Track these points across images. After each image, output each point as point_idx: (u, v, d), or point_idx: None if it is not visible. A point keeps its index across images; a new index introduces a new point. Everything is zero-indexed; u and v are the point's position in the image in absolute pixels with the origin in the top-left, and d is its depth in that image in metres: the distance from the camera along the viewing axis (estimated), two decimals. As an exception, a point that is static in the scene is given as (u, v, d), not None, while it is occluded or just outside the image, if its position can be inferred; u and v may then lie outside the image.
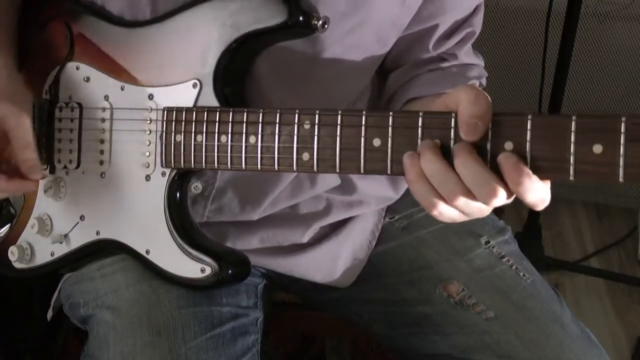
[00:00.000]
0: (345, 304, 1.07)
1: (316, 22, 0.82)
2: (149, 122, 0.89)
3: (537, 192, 0.66)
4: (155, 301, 0.91)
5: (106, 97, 0.93)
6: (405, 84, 1.00)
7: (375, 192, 1.06)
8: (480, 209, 0.71)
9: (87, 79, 0.94)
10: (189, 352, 0.87)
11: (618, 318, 1.91)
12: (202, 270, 0.88)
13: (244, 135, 0.82)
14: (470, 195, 0.68)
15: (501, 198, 0.67)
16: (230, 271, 0.88)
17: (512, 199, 0.68)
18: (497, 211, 1.09)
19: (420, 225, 1.06)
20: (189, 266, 0.88)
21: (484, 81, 1.03)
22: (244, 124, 0.82)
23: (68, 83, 0.95)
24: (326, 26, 0.83)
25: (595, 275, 2.00)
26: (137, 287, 0.92)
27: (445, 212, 0.71)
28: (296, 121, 0.79)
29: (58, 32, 0.97)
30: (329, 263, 1.05)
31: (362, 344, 1.74)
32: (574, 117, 0.64)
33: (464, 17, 0.99)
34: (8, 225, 1.02)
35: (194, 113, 0.86)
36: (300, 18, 0.82)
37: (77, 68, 0.95)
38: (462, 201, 0.69)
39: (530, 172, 0.65)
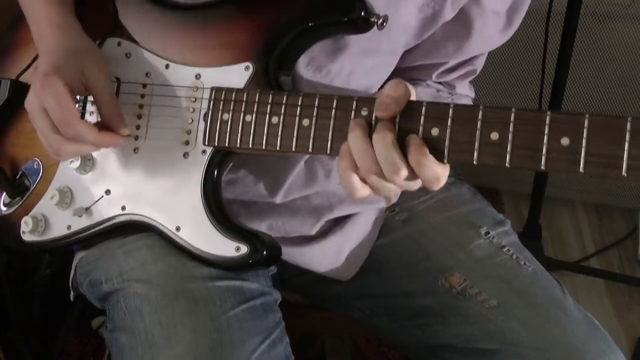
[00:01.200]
0: (347, 299, 1.08)
1: (376, 20, 0.85)
2: (193, 100, 0.91)
3: (432, 170, 0.74)
4: (187, 274, 0.91)
5: (148, 74, 0.94)
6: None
7: None
8: (389, 189, 0.78)
9: (129, 55, 0.96)
10: (230, 321, 0.87)
11: (618, 318, 1.91)
12: (237, 249, 0.88)
13: (297, 117, 0.83)
14: (381, 173, 0.76)
15: (402, 175, 0.75)
16: (265, 252, 0.88)
17: (417, 182, 0.77)
18: (497, 210, 1.10)
19: (421, 218, 1.07)
20: (223, 244, 0.89)
21: None
22: (298, 107, 0.83)
23: (107, 57, 0.95)
24: (385, 24, 0.85)
25: (595, 275, 2.00)
26: (166, 260, 0.92)
27: (359, 188, 0.78)
28: (353, 107, 0.80)
29: (102, 7, 0.98)
30: (333, 255, 1.05)
31: (362, 344, 1.74)
32: (629, 119, 0.68)
33: (470, 57, 1.03)
34: (20, 196, 1.02)
35: (245, 93, 0.87)
36: (362, 14, 0.84)
37: (119, 44, 0.97)
38: (375, 178, 0.76)
39: (427, 152, 0.74)
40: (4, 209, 1.03)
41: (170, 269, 0.92)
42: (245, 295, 0.91)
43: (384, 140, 0.75)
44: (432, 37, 0.97)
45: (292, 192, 1.01)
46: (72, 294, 1.08)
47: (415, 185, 0.78)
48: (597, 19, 1.93)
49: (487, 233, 1.03)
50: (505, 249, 1.02)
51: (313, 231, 1.04)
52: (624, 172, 0.68)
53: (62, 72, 0.87)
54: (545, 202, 1.93)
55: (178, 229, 0.91)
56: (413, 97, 0.78)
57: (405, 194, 1.09)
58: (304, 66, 0.93)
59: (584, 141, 0.69)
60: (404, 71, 1.03)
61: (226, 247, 0.89)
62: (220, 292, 0.89)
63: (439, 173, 0.75)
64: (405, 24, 0.93)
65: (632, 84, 2.02)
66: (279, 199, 1.01)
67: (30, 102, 0.89)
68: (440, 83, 1.05)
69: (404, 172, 0.75)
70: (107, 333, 0.95)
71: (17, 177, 1.02)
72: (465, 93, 1.08)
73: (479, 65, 1.05)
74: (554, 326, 0.92)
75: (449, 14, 0.94)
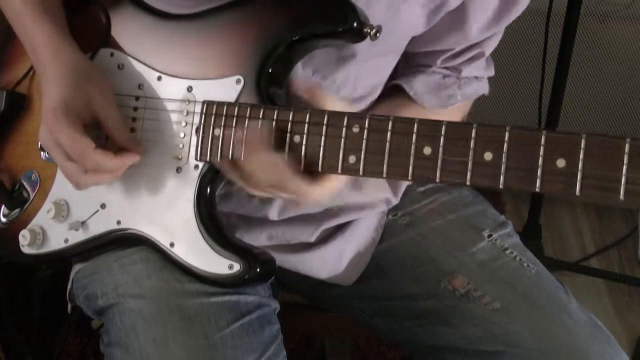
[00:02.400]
0: (349, 301, 1.08)
1: (369, 31, 0.82)
2: (185, 114, 0.89)
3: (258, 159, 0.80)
4: (182, 289, 0.90)
5: (140, 86, 0.93)
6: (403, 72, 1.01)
7: (381, 193, 1.06)
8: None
9: (121, 67, 0.94)
10: (225, 339, 0.87)
11: (618, 318, 1.91)
12: (230, 267, 0.87)
13: (288, 133, 0.81)
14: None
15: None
16: (258, 269, 0.87)
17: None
18: (497, 210, 1.10)
19: (423, 221, 1.07)
20: (216, 262, 0.88)
21: (464, 101, 1.06)
22: (290, 123, 0.81)
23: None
24: (378, 35, 0.83)
25: (595, 275, 2.00)
26: (160, 276, 0.91)
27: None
28: (345, 124, 0.78)
29: (95, 17, 0.97)
30: (334, 261, 1.05)
31: (362, 345, 1.74)
32: (628, 140, 0.65)
33: (479, 41, 1.00)
34: (19, 208, 1.01)
35: (237, 108, 0.85)
36: (355, 25, 0.82)
37: (111, 55, 0.95)
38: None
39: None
40: (3, 219, 1.03)
41: (164, 284, 0.91)
42: (242, 310, 0.91)
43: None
44: (434, 27, 0.96)
45: (287, 210, 1.00)
46: (69, 305, 1.07)
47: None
48: (597, 19, 1.93)
49: (489, 236, 1.03)
50: (508, 251, 1.01)
51: (312, 238, 1.04)
52: (621, 196, 0.66)
53: (71, 105, 0.86)
54: (545, 202, 1.93)
55: (172, 245, 0.90)
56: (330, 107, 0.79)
57: (406, 198, 1.09)
58: (309, 76, 0.92)
59: (580, 163, 0.67)
60: (408, 57, 1.02)
61: (219, 265, 0.87)
62: (215, 308, 0.89)
63: (266, 160, 0.79)
64: (410, 22, 0.92)
65: (632, 84, 2.02)
66: (273, 215, 1.00)
67: (44, 137, 0.88)
68: (447, 68, 1.03)
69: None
70: (103, 346, 0.95)
71: (16, 188, 1.02)
72: (475, 74, 1.05)
73: (488, 47, 1.02)
74: (558, 328, 0.92)
75: (454, 2, 0.92)
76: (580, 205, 2.25)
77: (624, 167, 0.65)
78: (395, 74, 1.03)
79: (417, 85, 1.00)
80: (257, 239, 1.01)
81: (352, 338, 1.68)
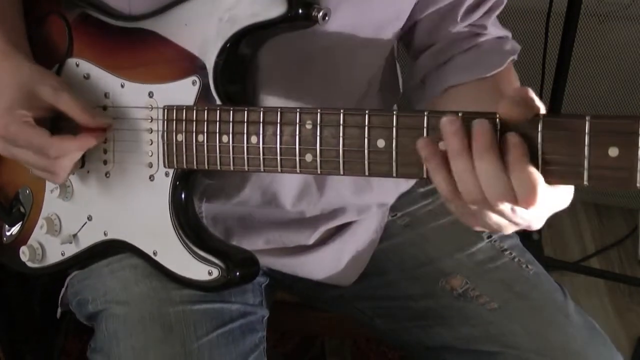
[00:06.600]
0: (348, 301, 1.07)
1: (316, 14, 0.78)
2: (150, 120, 0.88)
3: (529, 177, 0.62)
4: (166, 297, 0.90)
5: (106, 95, 0.91)
6: (439, 68, 0.96)
7: (392, 192, 1.05)
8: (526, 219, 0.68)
9: (87, 76, 0.92)
10: (202, 348, 0.87)
11: (618, 318, 1.91)
12: (210, 273, 0.86)
13: (245, 135, 0.80)
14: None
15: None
16: (237, 273, 0.87)
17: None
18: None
19: (422, 222, 1.06)
20: (196, 268, 0.87)
21: (516, 56, 0.98)
22: (245, 124, 0.80)
23: (69, 81, 0.93)
24: (327, 18, 0.79)
25: (595, 275, 1.99)
26: (147, 282, 0.92)
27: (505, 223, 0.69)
28: (297, 121, 0.76)
29: (56, 27, 0.95)
30: (333, 262, 1.04)
31: (362, 344, 1.74)
32: (587, 118, 0.60)
33: None
34: (20, 224, 1.01)
35: (194, 112, 0.84)
36: (300, 10, 0.78)
37: (77, 65, 0.93)
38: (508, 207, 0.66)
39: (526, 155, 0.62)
40: (7, 234, 1.03)
41: (150, 291, 0.91)
42: (224, 319, 0.91)
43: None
44: None
45: (302, 201, 0.97)
46: (59, 310, 1.07)
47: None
48: (597, 19, 1.93)
49: (489, 236, 1.03)
50: (507, 252, 1.01)
51: (311, 241, 1.02)
52: (585, 181, 0.61)
53: (17, 106, 0.85)
54: (545, 202, 1.92)
55: (155, 253, 0.90)
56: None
57: (406, 198, 1.09)
58: (274, 65, 0.87)
59: (539, 146, 0.62)
60: (429, 34, 0.95)
61: (199, 271, 0.87)
62: (197, 316, 0.89)
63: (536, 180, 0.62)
64: None
65: (632, 84, 2.02)
66: (288, 205, 0.97)
67: (3, 148, 0.88)
68: (474, 34, 0.96)
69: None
70: (89, 352, 0.95)
71: (13, 204, 1.01)
72: (501, 34, 0.98)
73: None
74: (555, 330, 0.92)
75: None
76: (580, 204, 2.25)
77: (586, 149, 0.60)
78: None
79: (459, 72, 0.93)
80: (255, 243, 1.00)
81: (352, 338, 1.68)
